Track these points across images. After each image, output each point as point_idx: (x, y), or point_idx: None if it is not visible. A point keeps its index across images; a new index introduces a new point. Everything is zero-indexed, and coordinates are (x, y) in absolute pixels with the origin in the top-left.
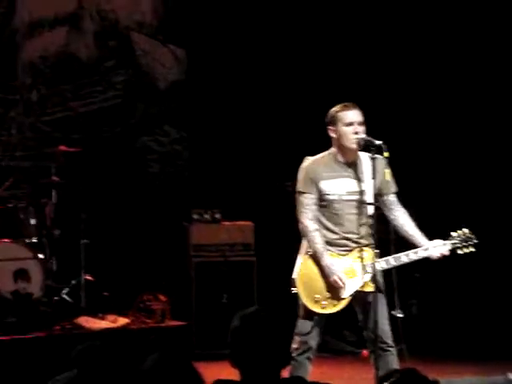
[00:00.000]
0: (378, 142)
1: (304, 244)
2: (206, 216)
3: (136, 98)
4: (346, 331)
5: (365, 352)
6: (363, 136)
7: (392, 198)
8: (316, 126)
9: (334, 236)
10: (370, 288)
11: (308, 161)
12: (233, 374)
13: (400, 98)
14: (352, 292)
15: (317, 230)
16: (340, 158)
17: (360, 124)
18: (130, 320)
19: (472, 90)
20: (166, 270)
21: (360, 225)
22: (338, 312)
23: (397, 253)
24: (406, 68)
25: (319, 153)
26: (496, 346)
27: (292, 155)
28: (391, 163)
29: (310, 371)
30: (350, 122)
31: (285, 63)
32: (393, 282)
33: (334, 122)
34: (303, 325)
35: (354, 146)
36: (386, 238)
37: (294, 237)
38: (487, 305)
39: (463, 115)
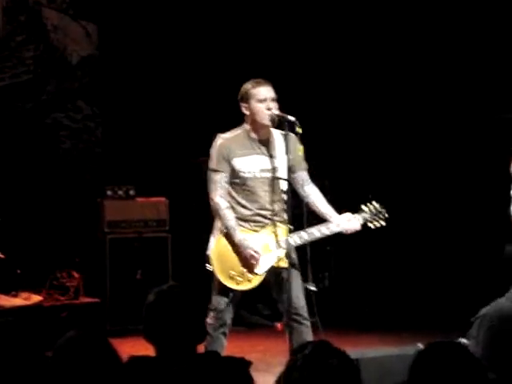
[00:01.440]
0: (291, 118)
1: (217, 221)
2: (120, 192)
3: (47, 74)
4: (260, 305)
5: (279, 325)
6: (276, 112)
7: (303, 175)
8: (228, 101)
9: (248, 212)
10: (284, 263)
11: (220, 138)
12: (148, 349)
13: (310, 72)
14: (267, 268)
15: (228, 207)
16: (253, 135)
17: (273, 100)
18: (43, 297)
19: (379, 61)
20: (79, 247)
21: (273, 201)
22: (253, 288)
23: (310, 227)
24: (315, 41)
25: (232, 128)
26: (408, 317)
27: (205, 131)
28: (304, 139)
29: (225, 346)
30: (263, 99)
31: (198, 37)
32: (306, 256)
33: (246, 98)
34: (218, 300)
35: (268, 122)
36: (300, 213)
37: (208, 212)
38: (398, 276)
39: (374, 86)
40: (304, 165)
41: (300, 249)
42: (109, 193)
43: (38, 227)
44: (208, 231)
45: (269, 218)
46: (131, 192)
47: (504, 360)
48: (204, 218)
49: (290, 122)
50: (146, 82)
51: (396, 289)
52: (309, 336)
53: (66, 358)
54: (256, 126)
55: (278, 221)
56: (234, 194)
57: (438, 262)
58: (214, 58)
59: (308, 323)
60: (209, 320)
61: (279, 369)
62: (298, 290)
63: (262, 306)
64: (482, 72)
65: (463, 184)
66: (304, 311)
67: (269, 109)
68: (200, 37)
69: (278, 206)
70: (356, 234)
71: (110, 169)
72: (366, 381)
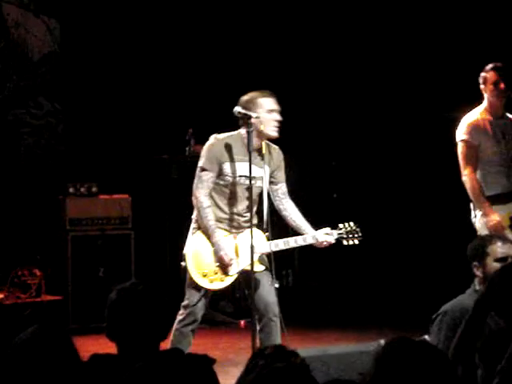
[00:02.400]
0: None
1: (195, 219)
2: (82, 189)
3: (8, 70)
4: (223, 302)
5: (242, 322)
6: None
7: (283, 188)
8: (193, 100)
9: (224, 215)
10: (258, 267)
11: (216, 139)
12: (110, 347)
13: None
14: (240, 270)
15: (210, 206)
16: (246, 142)
17: (279, 112)
18: (4, 295)
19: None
20: (40, 245)
21: (250, 208)
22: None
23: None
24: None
25: (192, 128)
26: (370, 314)
27: (168, 128)
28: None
29: (191, 343)
30: (272, 109)
31: (161, 31)
32: (270, 254)
33: (254, 107)
34: (191, 297)
35: (275, 134)
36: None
37: (169, 209)
38: (361, 274)
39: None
40: (284, 178)
41: None
42: (71, 190)
43: None
44: (171, 228)
45: (243, 223)
46: (93, 189)
47: (466, 355)
48: (167, 214)
49: None
50: (108, 78)
51: (359, 286)
52: (277, 334)
53: (25, 354)
54: (259, 135)
55: (254, 226)
56: (213, 194)
57: (399, 261)
58: (177, 55)
59: (277, 320)
60: (179, 316)
61: (242, 366)
62: (270, 292)
63: (225, 304)
64: (425, 72)
65: (427, 183)
66: (276, 309)
67: (277, 120)
68: (164, 33)
69: (253, 213)
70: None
71: (72, 166)
72: (328, 377)
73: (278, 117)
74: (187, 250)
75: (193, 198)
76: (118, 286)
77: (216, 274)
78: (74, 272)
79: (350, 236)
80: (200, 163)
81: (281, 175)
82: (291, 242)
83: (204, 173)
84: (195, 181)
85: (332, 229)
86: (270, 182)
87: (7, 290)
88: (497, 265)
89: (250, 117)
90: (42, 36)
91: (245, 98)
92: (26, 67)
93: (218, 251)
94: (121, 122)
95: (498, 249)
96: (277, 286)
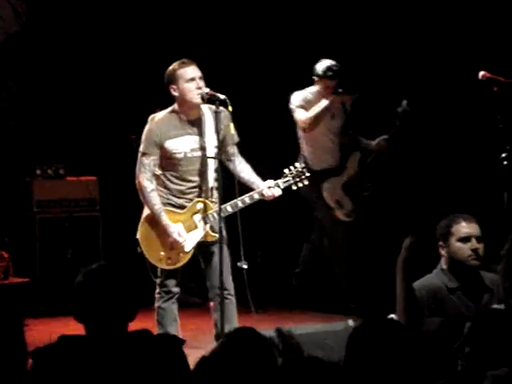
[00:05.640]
0: (222, 97)
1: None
2: (49, 171)
3: None
4: (193, 284)
5: (212, 303)
6: (207, 90)
7: (232, 149)
8: (161, 79)
9: (181, 188)
10: (212, 238)
11: (151, 122)
12: (79, 329)
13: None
14: (194, 244)
15: (153, 190)
16: (183, 116)
17: (200, 78)
18: None
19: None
20: (8, 227)
21: (204, 179)
22: (185, 264)
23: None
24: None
25: (161, 106)
26: (340, 295)
27: (135, 108)
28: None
29: (178, 320)
30: (191, 78)
31: (131, 14)
32: (238, 234)
33: (174, 80)
34: (161, 273)
35: (199, 100)
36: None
37: (137, 191)
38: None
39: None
40: (235, 138)
41: (232, 227)
42: (38, 172)
43: None
44: (139, 209)
45: (199, 195)
46: (61, 171)
47: (431, 334)
48: (134, 196)
49: (220, 100)
50: (75, 58)
51: (329, 267)
52: (234, 311)
53: None
54: (187, 105)
55: (207, 198)
56: (167, 173)
57: (368, 241)
58: (147, 36)
59: (233, 299)
60: (156, 294)
61: (210, 346)
62: (225, 265)
63: (194, 285)
64: None
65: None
66: (230, 286)
67: (199, 87)
68: (133, 14)
69: (208, 184)
70: (291, 212)
71: (39, 147)
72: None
73: (198, 83)
74: (139, 235)
75: (136, 183)
76: (85, 267)
77: (172, 254)
78: (41, 254)
79: (297, 179)
80: (140, 148)
81: (229, 137)
82: (239, 203)
83: (144, 157)
84: (137, 166)
85: (277, 179)
86: (220, 146)
87: None
88: (460, 244)
89: (217, 98)
90: (8, 17)
91: (166, 72)
92: None
93: (170, 234)
94: (87, 102)
95: (462, 229)
96: (246, 267)
